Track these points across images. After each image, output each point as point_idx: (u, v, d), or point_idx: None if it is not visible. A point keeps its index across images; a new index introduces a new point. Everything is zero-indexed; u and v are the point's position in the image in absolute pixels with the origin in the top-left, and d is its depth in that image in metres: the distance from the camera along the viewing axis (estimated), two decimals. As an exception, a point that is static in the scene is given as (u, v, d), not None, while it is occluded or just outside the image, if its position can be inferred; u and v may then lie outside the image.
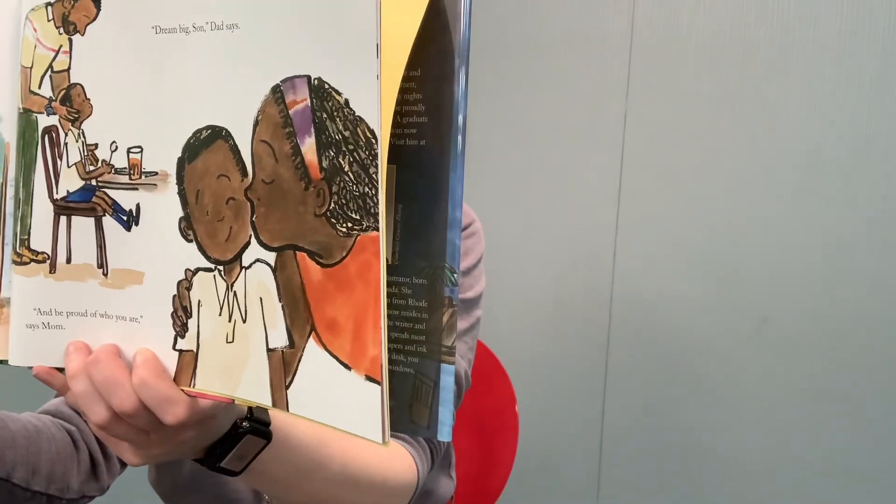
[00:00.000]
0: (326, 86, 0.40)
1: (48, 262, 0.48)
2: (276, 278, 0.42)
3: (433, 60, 0.46)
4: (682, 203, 1.25)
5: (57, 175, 0.48)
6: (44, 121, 0.48)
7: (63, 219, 0.48)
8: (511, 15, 1.26)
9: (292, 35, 0.41)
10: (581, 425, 1.31)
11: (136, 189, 0.46)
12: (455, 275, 0.42)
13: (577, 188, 1.28)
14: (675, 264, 1.26)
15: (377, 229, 0.39)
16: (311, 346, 0.41)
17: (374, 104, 0.39)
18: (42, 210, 0.48)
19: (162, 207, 0.45)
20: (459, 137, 0.45)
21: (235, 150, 0.43)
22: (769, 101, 1.19)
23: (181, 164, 0.45)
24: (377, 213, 0.39)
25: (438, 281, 0.42)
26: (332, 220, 0.40)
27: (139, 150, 0.46)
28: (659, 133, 1.24)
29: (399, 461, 0.67)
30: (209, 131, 0.44)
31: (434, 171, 0.44)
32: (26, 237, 0.48)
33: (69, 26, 0.47)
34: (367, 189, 0.39)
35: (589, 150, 1.27)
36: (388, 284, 0.43)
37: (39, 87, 0.48)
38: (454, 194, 0.43)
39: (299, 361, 0.42)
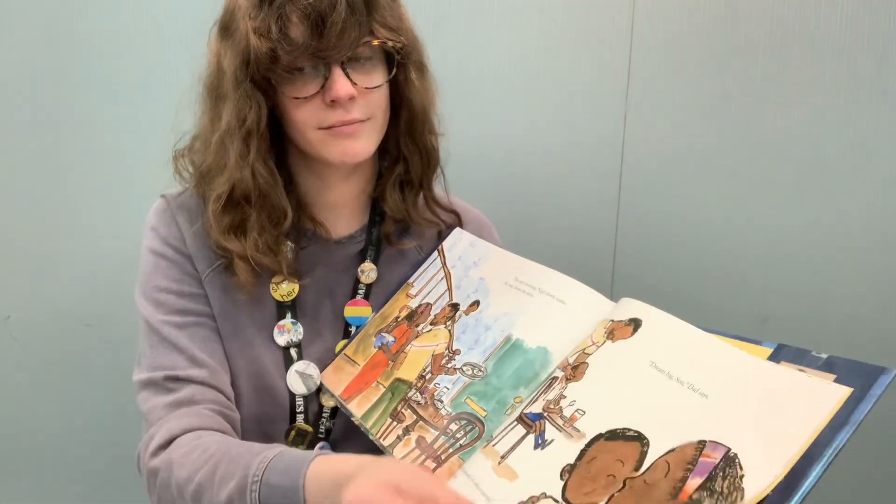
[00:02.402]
0: (737, 460, 0.54)
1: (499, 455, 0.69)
2: None
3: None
4: (681, 203, 1.25)
5: (534, 400, 0.70)
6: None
7: (518, 425, 0.69)
8: (510, 15, 1.26)
9: (746, 423, 0.56)
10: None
11: (561, 431, 0.65)
12: None
13: (577, 188, 1.28)
14: (674, 264, 1.25)
15: None
16: None
17: (763, 488, 0.53)
18: (512, 418, 0.71)
19: (565, 450, 0.63)
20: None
21: (644, 454, 0.58)
22: (769, 101, 1.19)
23: (598, 437, 0.62)
24: None
25: None
26: None
27: (583, 413, 0.65)
28: (659, 133, 1.24)
29: None
30: (635, 434, 0.60)
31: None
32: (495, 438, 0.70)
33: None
34: None
35: (589, 150, 1.27)
36: None
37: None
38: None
39: None
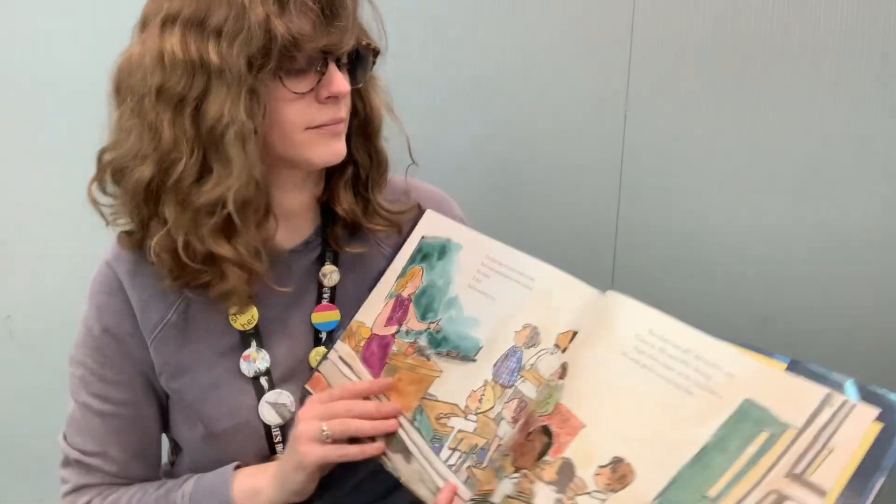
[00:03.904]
0: None
1: None
2: None
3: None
4: (681, 203, 1.25)
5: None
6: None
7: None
8: (510, 15, 1.26)
9: None
10: (581, 425, 1.31)
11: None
12: None
13: (576, 188, 1.28)
14: (674, 264, 1.25)
15: None
16: None
17: None
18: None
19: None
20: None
21: None
22: (769, 100, 1.19)
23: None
24: None
25: None
26: None
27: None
28: (659, 133, 1.24)
29: None
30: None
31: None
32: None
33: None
34: None
35: (589, 150, 1.27)
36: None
37: None
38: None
39: None
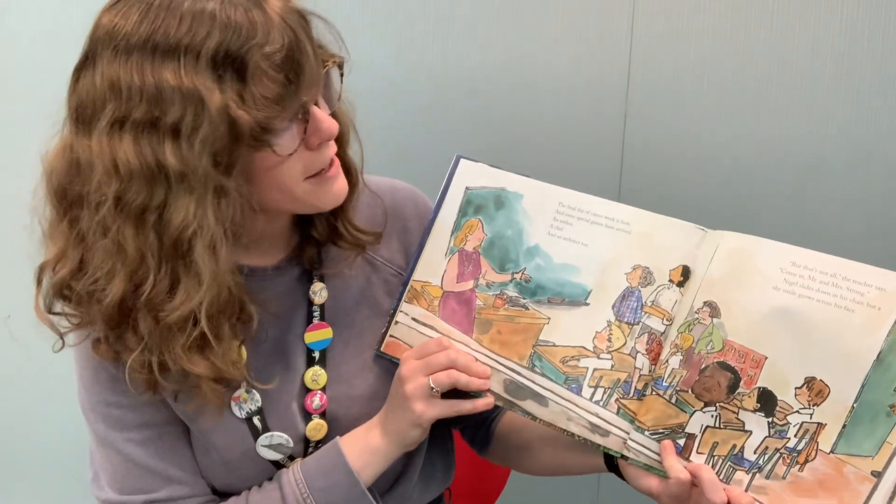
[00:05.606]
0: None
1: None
2: None
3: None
4: (682, 204, 1.25)
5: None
6: None
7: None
8: (510, 15, 1.26)
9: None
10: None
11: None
12: None
13: (576, 188, 1.28)
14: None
15: None
16: None
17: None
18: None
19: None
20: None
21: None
22: (769, 101, 1.19)
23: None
24: None
25: None
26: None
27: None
28: (659, 134, 1.24)
29: None
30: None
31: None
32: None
33: None
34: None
35: (589, 150, 1.27)
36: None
37: None
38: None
39: None
